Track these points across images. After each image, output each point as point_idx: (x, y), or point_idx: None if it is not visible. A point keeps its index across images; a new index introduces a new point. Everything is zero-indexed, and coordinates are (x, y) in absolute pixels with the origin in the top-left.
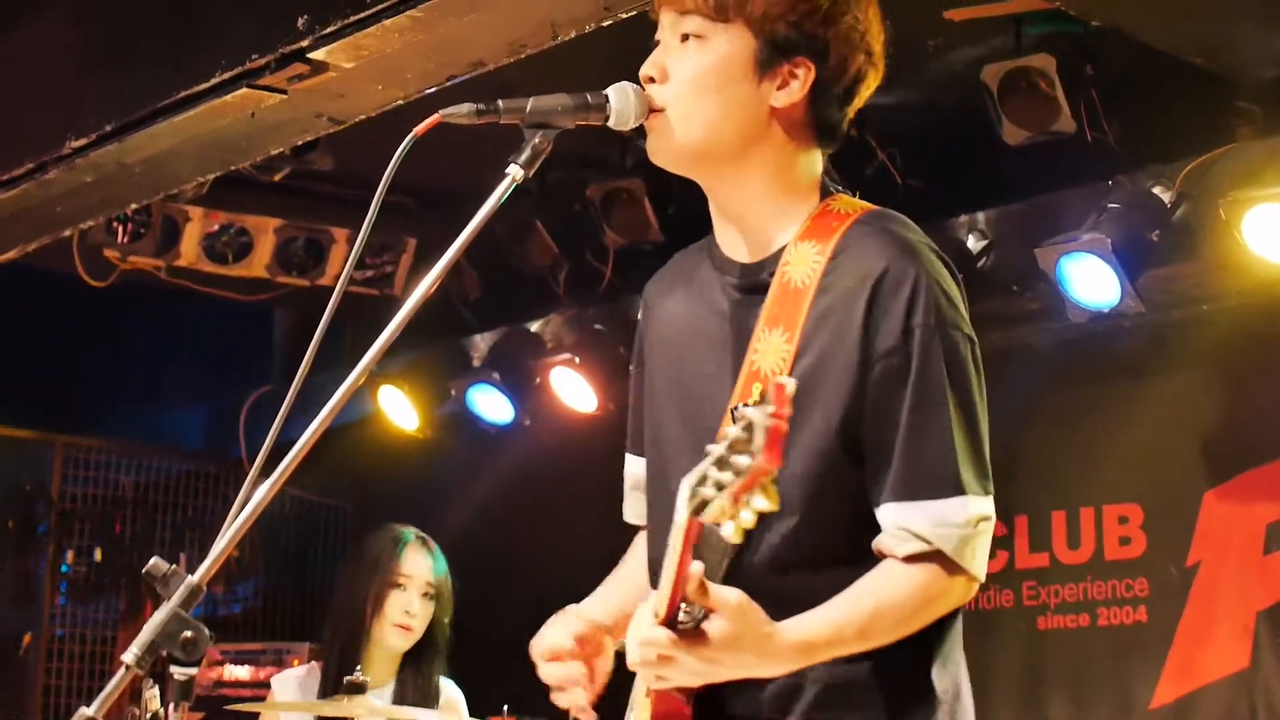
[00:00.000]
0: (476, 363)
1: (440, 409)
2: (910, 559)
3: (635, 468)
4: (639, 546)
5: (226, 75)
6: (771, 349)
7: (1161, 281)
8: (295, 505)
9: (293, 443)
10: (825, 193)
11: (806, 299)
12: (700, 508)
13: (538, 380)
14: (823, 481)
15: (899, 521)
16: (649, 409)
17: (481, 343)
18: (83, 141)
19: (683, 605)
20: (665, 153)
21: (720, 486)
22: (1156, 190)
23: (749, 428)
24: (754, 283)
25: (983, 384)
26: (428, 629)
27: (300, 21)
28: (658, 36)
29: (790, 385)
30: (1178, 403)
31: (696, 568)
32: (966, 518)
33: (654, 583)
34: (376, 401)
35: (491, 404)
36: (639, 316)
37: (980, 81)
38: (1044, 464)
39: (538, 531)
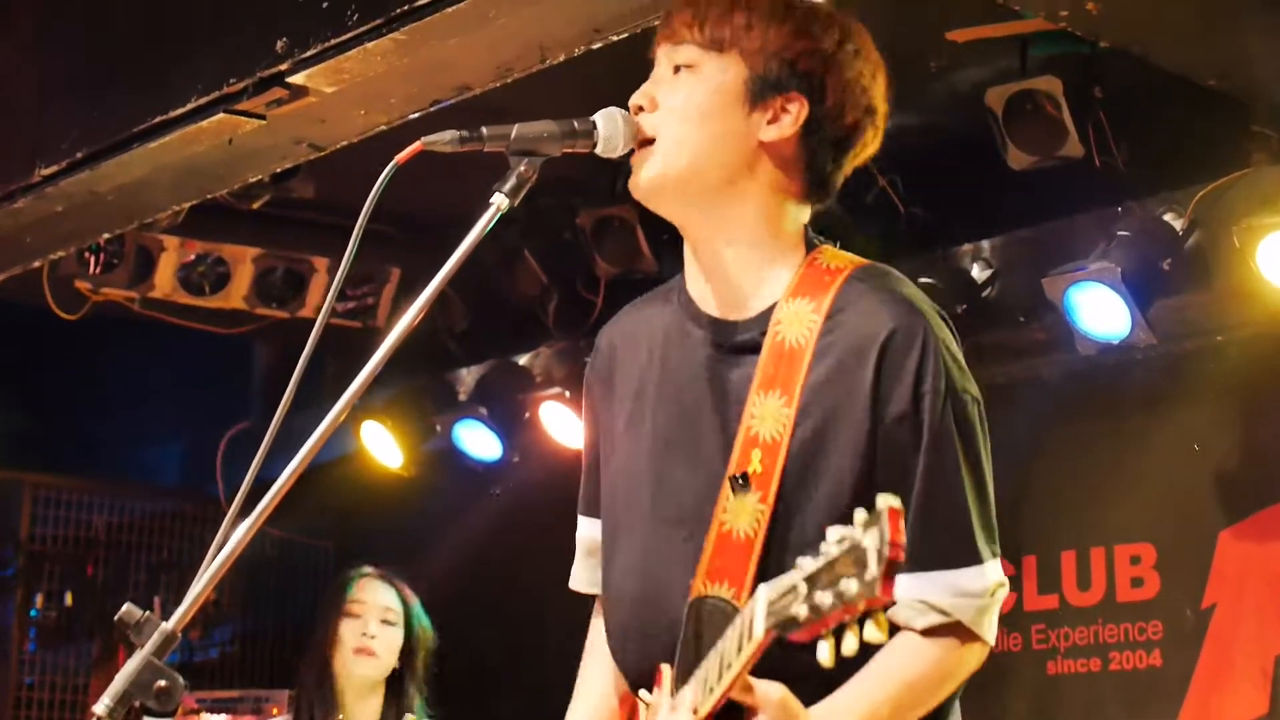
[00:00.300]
0: (463, 397)
1: (425, 445)
2: (928, 632)
3: (589, 531)
4: (598, 634)
5: (203, 100)
6: (769, 414)
7: (1173, 311)
8: (276, 546)
9: (272, 481)
10: (810, 245)
11: (804, 361)
12: (785, 624)
13: (527, 415)
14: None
15: (916, 594)
16: (606, 468)
17: (468, 376)
18: (53, 169)
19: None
20: (649, 183)
21: (816, 609)
22: (1168, 217)
23: (858, 553)
24: (740, 341)
25: (988, 447)
26: (402, 662)
27: (279, 44)
28: (654, 73)
29: (897, 504)
30: (1192, 437)
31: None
32: (984, 587)
33: (641, 662)
34: (359, 438)
35: (479, 440)
36: (588, 366)
37: (984, 104)
38: (1053, 502)
39: (527, 571)
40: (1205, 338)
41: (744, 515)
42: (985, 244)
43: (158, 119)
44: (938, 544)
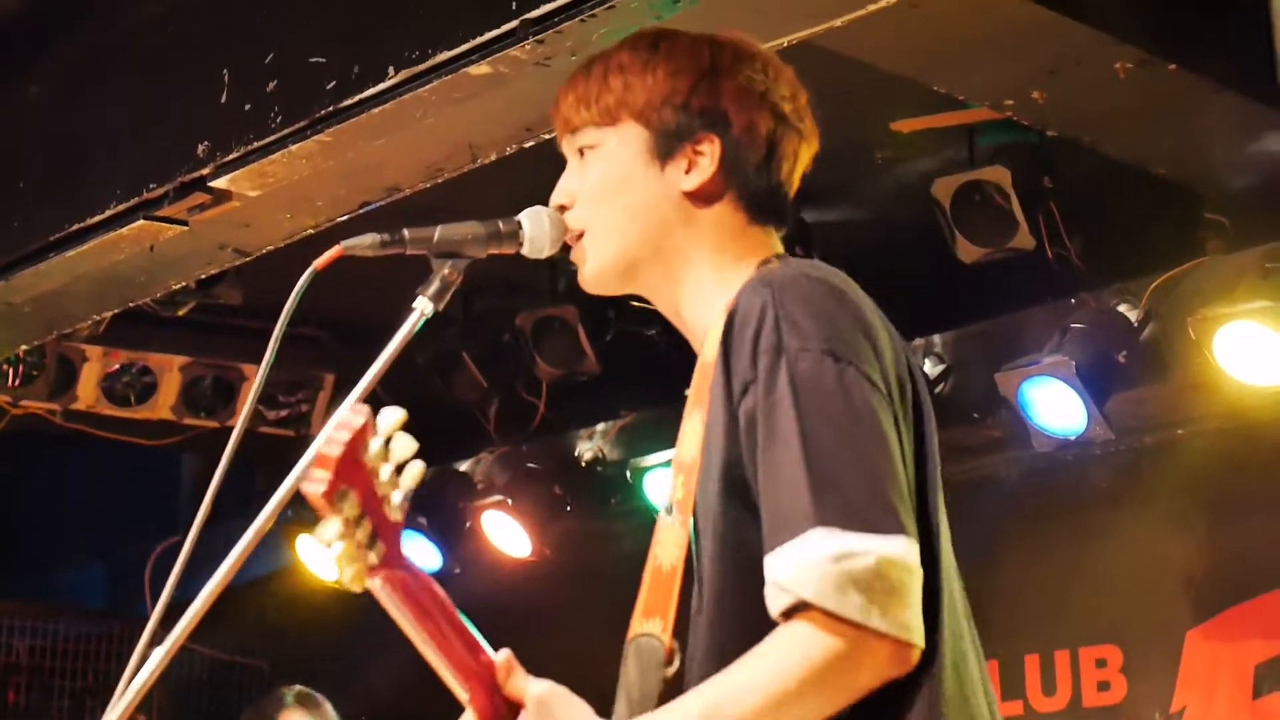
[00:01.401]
0: None
1: None
2: (783, 619)
3: None
4: None
5: (122, 207)
6: (689, 434)
7: (1131, 405)
8: (206, 666)
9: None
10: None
11: (713, 371)
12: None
13: (468, 524)
14: (729, 549)
15: (769, 577)
16: None
17: None
18: None
19: None
20: (593, 277)
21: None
22: (1122, 308)
23: None
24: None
25: (879, 407)
26: None
27: (200, 148)
28: (567, 167)
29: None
30: (1155, 535)
31: (504, 655)
32: (827, 552)
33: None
34: (294, 551)
35: (418, 551)
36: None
37: (932, 196)
38: (1014, 604)
39: None
40: (1165, 431)
41: (669, 545)
42: (936, 339)
43: (74, 227)
44: (777, 518)
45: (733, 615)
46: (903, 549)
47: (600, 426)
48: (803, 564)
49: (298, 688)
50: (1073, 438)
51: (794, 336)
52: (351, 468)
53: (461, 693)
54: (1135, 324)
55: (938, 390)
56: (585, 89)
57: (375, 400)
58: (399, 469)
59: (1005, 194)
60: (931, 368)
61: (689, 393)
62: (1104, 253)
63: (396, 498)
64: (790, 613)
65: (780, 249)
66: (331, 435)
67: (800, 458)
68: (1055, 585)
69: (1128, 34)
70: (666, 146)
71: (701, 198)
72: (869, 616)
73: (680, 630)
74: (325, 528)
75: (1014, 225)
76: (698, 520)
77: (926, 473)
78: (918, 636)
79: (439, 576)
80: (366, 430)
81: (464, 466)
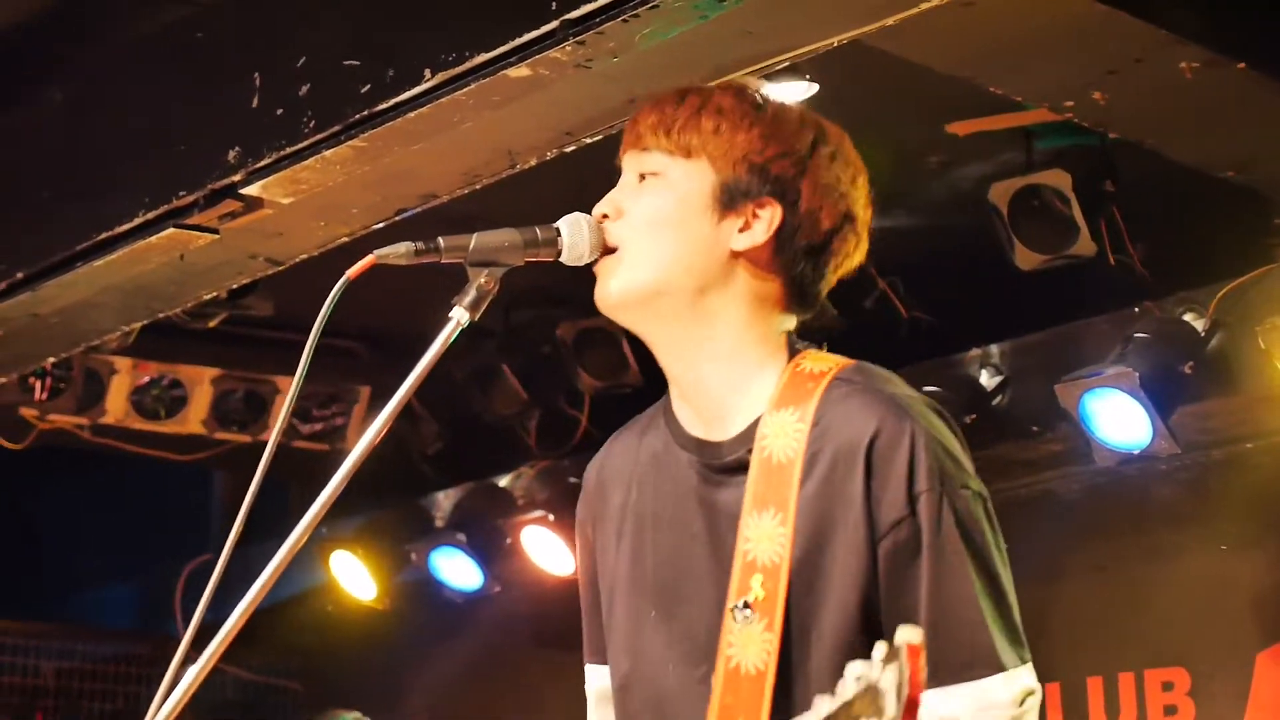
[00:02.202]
0: (439, 523)
1: (400, 576)
2: None
3: (598, 679)
4: None
5: (151, 215)
6: (765, 535)
7: (1197, 419)
8: (238, 688)
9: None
10: (793, 352)
11: (794, 475)
12: None
13: (508, 541)
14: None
15: (939, 712)
16: (610, 612)
17: (444, 501)
18: None
19: None
20: (616, 296)
21: None
22: (1188, 318)
23: (874, 693)
24: (728, 462)
25: (1001, 543)
26: None
27: (231, 154)
28: (621, 180)
29: (918, 639)
30: (1222, 553)
31: None
32: (1011, 695)
33: None
34: (328, 569)
35: (457, 569)
36: (579, 504)
37: (988, 201)
38: (1075, 625)
39: (511, 708)
40: (1232, 445)
41: (751, 647)
42: (994, 349)
43: (102, 235)
44: (955, 655)
45: None
46: (1034, 677)
47: None
48: (989, 705)
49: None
50: (1136, 452)
51: (949, 476)
52: None
53: None
54: (1201, 334)
55: (995, 402)
56: (671, 117)
57: (408, 408)
58: None
59: (1065, 199)
60: (988, 379)
61: (746, 489)
62: (1168, 259)
63: None
64: None
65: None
66: None
67: (976, 602)
68: (1118, 606)
69: (1194, 32)
70: (729, 198)
71: (747, 261)
72: None
73: None
74: None
75: (1074, 231)
76: (792, 629)
77: None
78: None
79: (478, 595)
80: None
81: (504, 482)
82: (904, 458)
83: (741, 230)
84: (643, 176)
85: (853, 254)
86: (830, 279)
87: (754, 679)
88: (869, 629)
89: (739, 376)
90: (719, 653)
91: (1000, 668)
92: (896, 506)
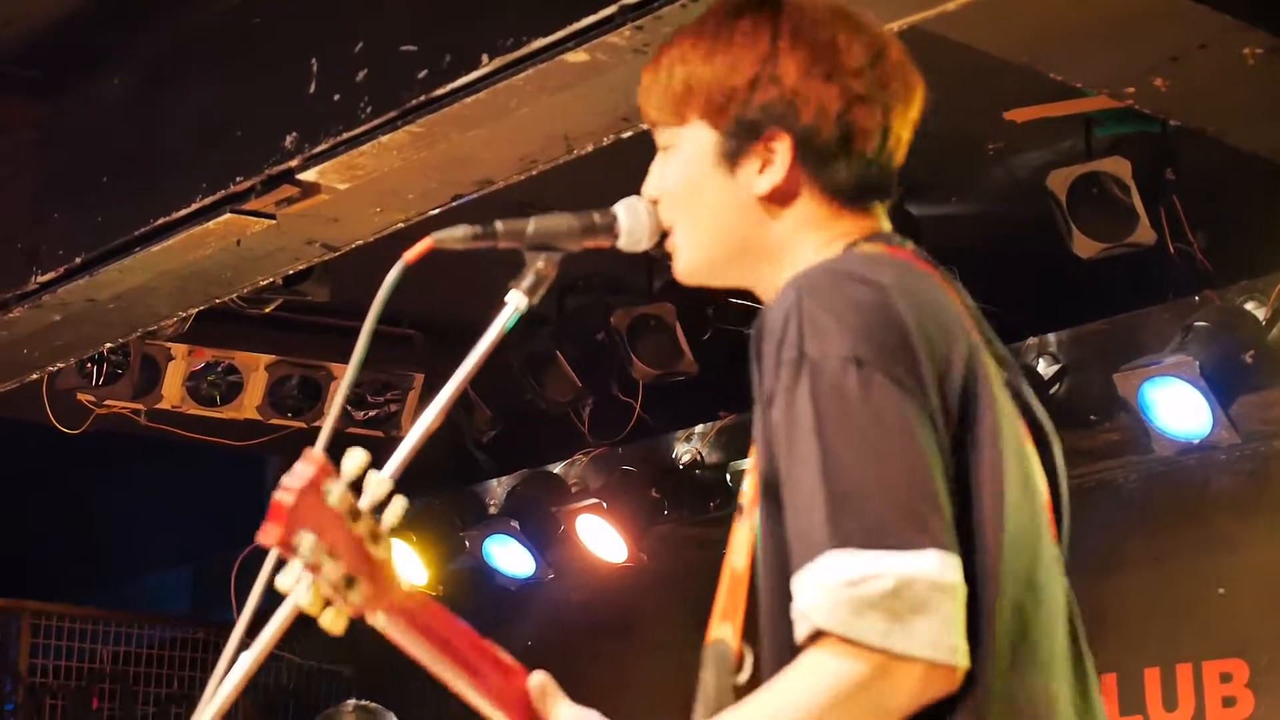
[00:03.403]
0: (493, 510)
1: (453, 563)
2: (805, 645)
3: None
4: None
5: (207, 200)
6: (755, 436)
7: (1258, 408)
8: (291, 673)
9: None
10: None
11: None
12: None
13: (562, 528)
14: (770, 556)
15: (796, 605)
16: None
17: (498, 488)
18: (49, 276)
19: None
20: (684, 276)
21: None
22: (1249, 306)
23: None
24: None
25: (884, 414)
26: None
27: (288, 140)
28: None
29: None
30: None
31: (537, 679)
32: (840, 577)
33: None
34: None
35: (510, 556)
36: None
37: (1047, 189)
38: (1133, 616)
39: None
40: None
41: (740, 546)
42: (1051, 338)
43: (159, 221)
44: (798, 539)
45: (776, 627)
46: (932, 564)
47: (698, 428)
48: (819, 590)
49: (360, 702)
50: (1196, 441)
51: (816, 344)
52: (310, 513)
53: (497, 716)
54: (1263, 322)
55: (1052, 391)
56: (654, 81)
57: (466, 401)
58: (380, 509)
59: (1125, 186)
60: (1046, 368)
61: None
62: (1229, 248)
63: (380, 536)
64: (812, 639)
65: (883, 225)
66: (283, 484)
67: (819, 476)
68: (1177, 596)
69: (1257, 18)
70: (735, 148)
71: (779, 198)
72: (890, 640)
73: (751, 632)
74: (283, 574)
75: (1134, 219)
76: (760, 523)
77: (978, 481)
78: (956, 656)
79: (532, 582)
80: (323, 476)
81: (557, 469)
82: (777, 333)
83: (760, 172)
84: (662, 150)
85: (888, 118)
86: (882, 154)
87: (739, 579)
88: (772, 508)
89: None
90: (725, 559)
91: (832, 545)
92: (769, 385)
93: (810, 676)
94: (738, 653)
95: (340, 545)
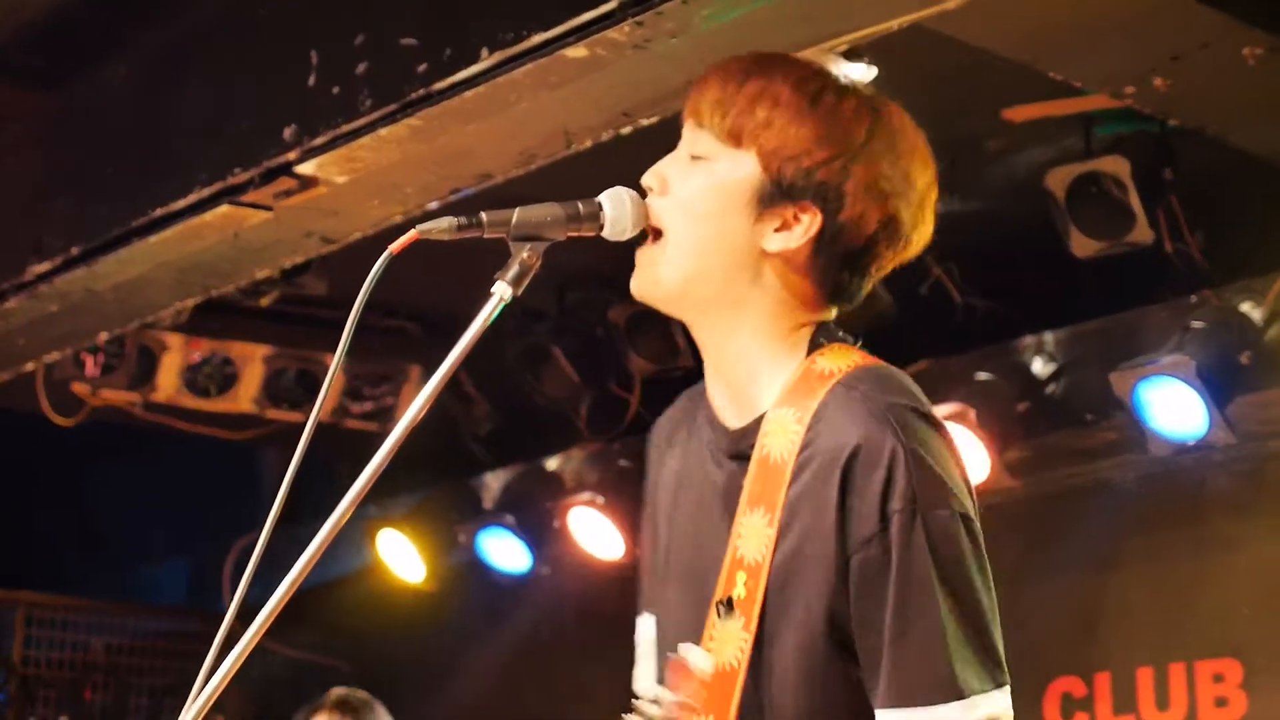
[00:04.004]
0: (488, 505)
1: (448, 557)
2: None
3: (646, 629)
4: None
5: (206, 192)
6: (753, 533)
7: (1254, 409)
8: (287, 666)
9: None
10: (814, 346)
11: (785, 476)
12: None
13: (557, 523)
14: (812, 681)
15: None
16: (655, 565)
17: (493, 482)
18: (46, 266)
19: None
20: (649, 287)
21: None
22: (1245, 307)
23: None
24: (738, 451)
25: (983, 565)
26: None
27: (287, 132)
28: (676, 151)
29: (695, 656)
30: (1278, 545)
31: None
32: (980, 717)
33: None
34: (376, 550)
35: (505, 551)
36: (648, 457)
37: (1045, 188)
38: (1127, 615)
39: (558, 692)
40: None
41: (729, 643)
42: (1048, 337)
43: (158, 212)
44: (913, 680)
45: None
46: (1007, 700)
47: None
48: None
49: (344, 691)
50: (1192, 442)
51: (926, 495)
52: None
53: None
54: (1259, 323)
55: (1048, 391)
56: (729, 98)
57: (459, 389)
58: None
59: (1123, 186)
60: (1043, 367)
61: (744, 485)
62: (1227, 248)
63: None
64: None
65: (829, 319)
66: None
67: (939, 622)
68: (1171, 596)
69: (1257, 18)
70: (770, 198)
71: (780, 264)
72: None
73: None
74: None
75: (1132, 219)
76: (765, 629)
77: None
78: None
79: (526, 577)
80: None
81: (553, 464)
82: (882, 473)
83: (777, 230)
84: (695, 157)
85: (901, 251)
86: (875, 277)
87: (727, 676)
88: (835, 638)
89: (759, 368)
90: (702, 646)
91: (959, 694)
92: (869, 523)
93: None
94: None
95: None
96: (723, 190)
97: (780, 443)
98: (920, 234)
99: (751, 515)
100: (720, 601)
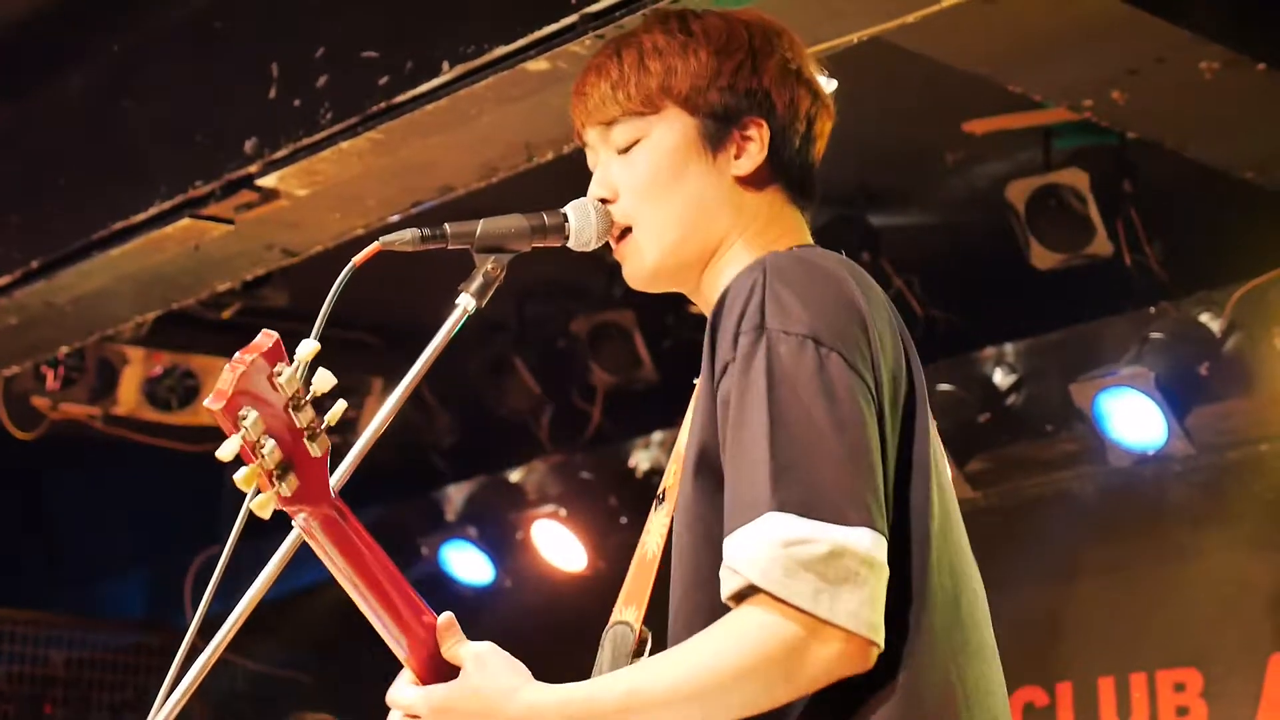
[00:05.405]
0: (450, 517)
1: (410, 569)
2: (734, 603)
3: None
4: None
5: (166, 205)
6: (687, 424)
7: (1213, 420)
8: (248, 679)
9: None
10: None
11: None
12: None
13: (519, 536)
14: (693, 540)
15: (727, 560)
16: None
17: (456, 495)
18: (5, 279)
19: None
20: (649, 273)
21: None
22: (1204, 319)
23: None
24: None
25: (838, 392)
26: None
27: (248, 145)
28: (590, 161)
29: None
30: (1237, 554)
31: (445, 617)
32: (777, 537)
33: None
34: None
35: (468, 563)
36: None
37: (1005, 200)
38: (1088, 625)
39: None
40: (1248, 447)
41: (654, 532)
42: (1009, 348)
43: (118, 225)
44: (736, 500)
45: (695, 601)
46: (865, 541)
47: (657, 436)
48: (755, 547)
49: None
50: (1151, 452)
51: (778, 318)
52: (258, 391)
53: (399, 648)
54: (1218, 335)
55: (1008, 401)
56: (620, 75)
57: (420, 401)
58: (322, 408)
59: (1082, 198)
60: (1003, 378)
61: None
62: (1186, 260)
63: (318, 433)
64: (740, 597)
65: (809, 238)
66: (237, 356)
67: (766, 441)
68: (1132, 606)
69: (1214, 32)
70: (716, 133)
71: (750, 183)
72: (818, 604)
73: (655, 618)
74: (224, 445)
75: (1091, 231)
76: (679, 508)
77: (911, 474)
78: (874, 633)
79: (489, 589)
80: (276, 354)
81: (515, 476)
82: (739, 307)
83: (737, 157)
84: (626, 149)
85: (828, 126)
86: (816, 156)
87: (649, 563)
88: (718, 488)
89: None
90: (639, 543)
91: (772, 509)
92: (724, 355)
93: (734, 632)
94: (638, 636)
95: (280, 430)
96: (671, 153)
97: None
98: (831, 110)
99: (693, 409)
100: (657, 493)
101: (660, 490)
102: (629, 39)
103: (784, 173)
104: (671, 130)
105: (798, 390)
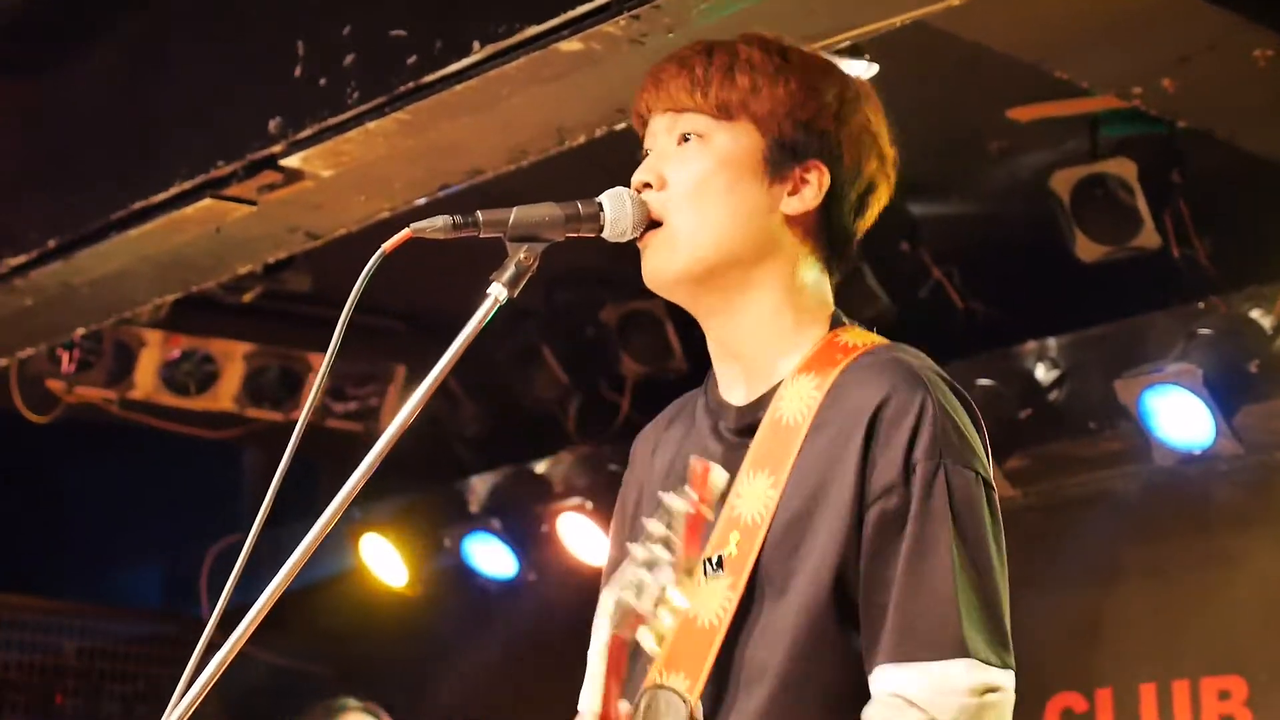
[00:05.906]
0: (474, 509)
1: (433, 562)
2: None
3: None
4: None
5: (187, 185)
6: (754, 494)
7: (1261, 419)
8: (267, 673)
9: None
10: (836, 323)
11: (798, 438)
12: (624, 620)
13: (544, 528)
14: (808, 643)
15: (891, 687)
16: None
17: (480, 486)
18: (22, 259)
19: None
20: (671, 273)
21: (641, 591)
22: (1254, 315)
23: (669, 515)
24: (746, 424)
25: (1000, 538)
26: None
27: (272, 124)
28: (646, 146)
29: (716, 471)
30: None
31: (624, 708)
32: (971, 685)
33: None
34: (359, 554)
35: (491, 556)
36: (630, 462)
37: (1050, 189)
38: (1130, 630)
39: (542, 700)
40: None
41: (712, 600)
42: (1051, 343)
43: (138, 205)
44: (919, 631)
45: (801, 706)
46: (1011, 682)
47: None
48: (944, 690)
49: (354, 703)
50: (1198, 452)
51: (952, 452)
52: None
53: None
54: (1269, 331)
55: (1051, 398)
56: (705, 75)
57: (445, 390)
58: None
59: (1130, 189)
60: (1045, 373)
61: (749, 449)
62: (1235, 254)
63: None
64: None
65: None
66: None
67: (952, 580)
68: (1175, 610)
69: (1267, 19)
70: (779, 161)
71: (795, 225)
72: None
73: (710, 693)
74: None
75: (1138, 223)
76: (756, 589)
77: None
78: None
79: (512, 583)
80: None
81: (542, 467)
82: (909, 425)
83: (791, 194)
84: (684, 138)
85: (883, 198)
86: (861, 229)
87: (705, 633)
88: (839, 604)
89: (779, 340)
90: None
91: (965, 653)
92: (891, 472)
93: None
94: (692, 710)
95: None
96: (729, 165)
97: (795, 406)
98: (891, 186)
99: (754, 478)
100: (709, 559)
101: (714, 557)
102: (724, 46)
103: (828, 230)
104: (737, 141)
105: (978, 532)
